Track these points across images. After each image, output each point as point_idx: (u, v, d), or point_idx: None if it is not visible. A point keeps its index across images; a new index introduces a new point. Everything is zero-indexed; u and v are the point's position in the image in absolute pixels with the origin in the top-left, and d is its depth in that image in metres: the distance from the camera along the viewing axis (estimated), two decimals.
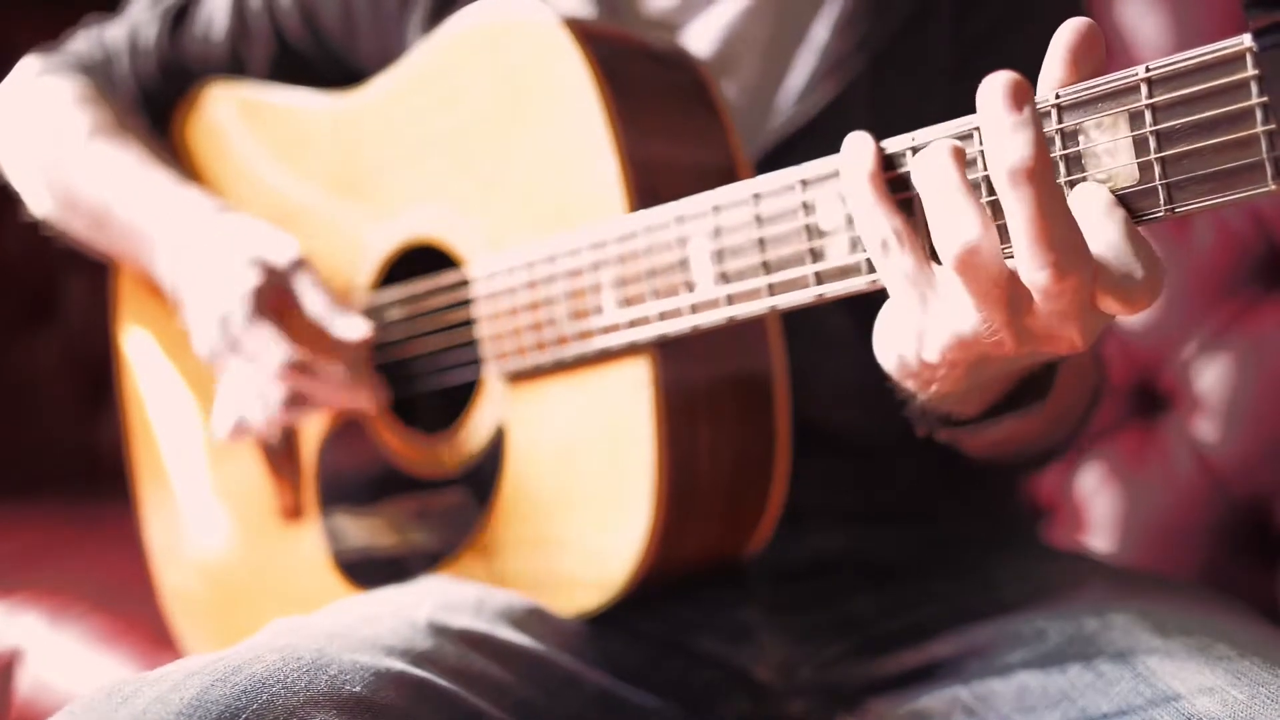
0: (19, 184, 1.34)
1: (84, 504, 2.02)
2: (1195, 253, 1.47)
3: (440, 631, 0.88)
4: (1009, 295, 0.64)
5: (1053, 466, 1.47)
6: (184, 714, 0.72)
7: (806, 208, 0.76)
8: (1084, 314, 0.63)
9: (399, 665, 0.81)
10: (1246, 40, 0.57)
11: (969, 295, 0.64)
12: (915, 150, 0.69)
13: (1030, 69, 0.64)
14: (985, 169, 0.66)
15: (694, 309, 0.85)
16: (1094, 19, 0.63)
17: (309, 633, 0.83)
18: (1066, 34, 0.63)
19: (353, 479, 1.15)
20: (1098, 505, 1.51)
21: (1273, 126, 0.57)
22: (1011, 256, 0.62)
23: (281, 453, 1.19)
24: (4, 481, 2.17)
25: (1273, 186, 0.58)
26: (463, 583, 1.00)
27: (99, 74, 1.33)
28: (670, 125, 0.96)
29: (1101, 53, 0.63)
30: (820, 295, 0.77)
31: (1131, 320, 1.49)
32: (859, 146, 0.71)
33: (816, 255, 0.76)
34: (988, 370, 0.72)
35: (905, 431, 0.86)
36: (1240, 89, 0.58)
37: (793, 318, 0.90)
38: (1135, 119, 0.61)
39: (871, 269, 0.73)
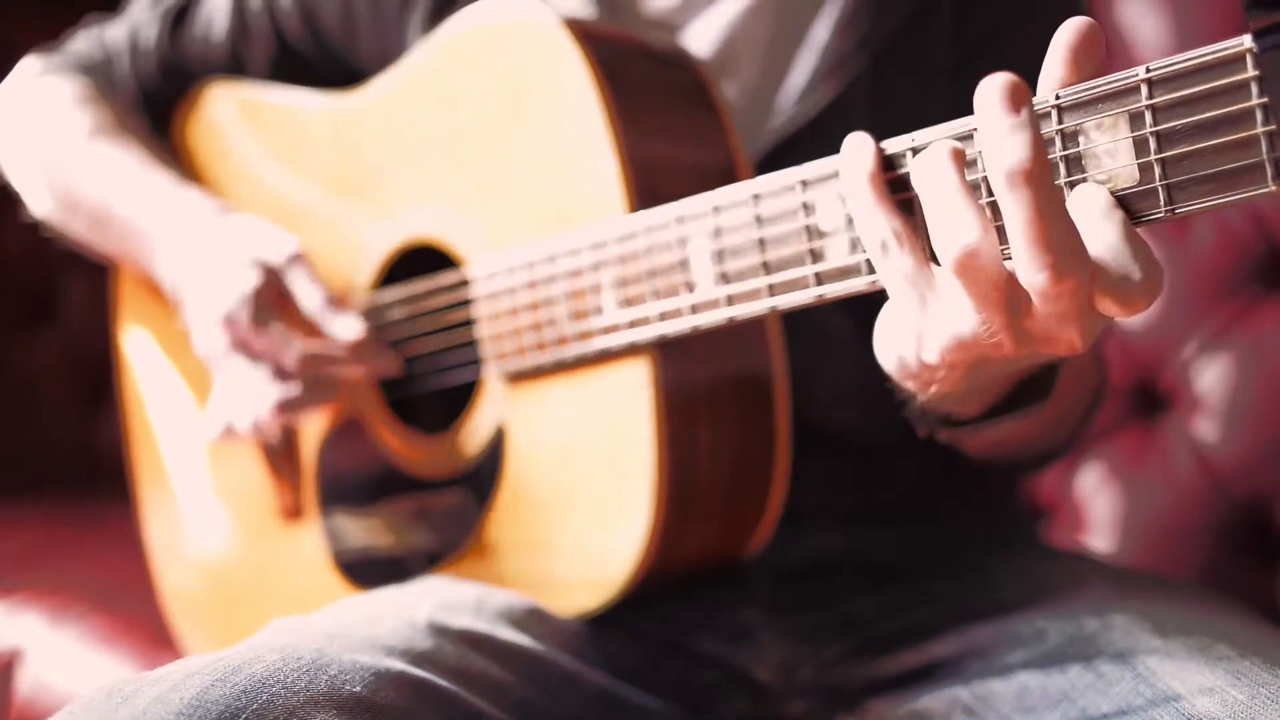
0: (19, 184, 1.34)
1: (84, 504, 2.02)
2: (1195, 253, 1.47)
3: (440, 632, 0.88)
4: (1008, 297, 0.64)
5: (1053, 466, 1.47)
6: (184, 714, 0.72)
7: (807, 208, 0.76)
8: (1083, 315, 0.63)
9: (399, 665, 0.81)
10: (1247, 41, 0.57)
11: (968, 297, 0.64)
12: (915, 151, 0.69)
13: (1031, 69, 0.64)
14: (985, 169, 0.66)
15: (694, 309, 0.85)
16: (1094, 19, 0.63)
17: (309, 633, 0.83)
18: (1067, 34, 0.63)
19: (353, 479, 1.15)
20: (1098, 505, 1.51)
21: (1273, 127, 0.57)
22: (1010, 258, 0.62)
23: (281, 453, 1.19)
24: (4, 481, 2.17)
25: (1273, 187, 0.58)
26: (462, 583, 1.00)
27: (99, 74, 1.33)
28: (670, 125, 0.96)
29: (1102, 52, 0.63)
30: (820, 296, 0.77)
31: (1131, 320, 1.49)
32: (859, 147, 0.71)
33: (816, 256, 0.76)
34: (987, 371, 0.72)
35: (905, 432, 0.86)
36: (1240, 90, 0.58)
37: (793, 318, 0.90)
38: (1135, 120, 0.61)
39: (871, 270, 0.73)
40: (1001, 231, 0.64)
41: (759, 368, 0.96)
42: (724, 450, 0.95)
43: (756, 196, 0.79)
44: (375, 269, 1.12)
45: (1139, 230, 0.62)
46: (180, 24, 1.30)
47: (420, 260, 1.09)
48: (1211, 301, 1.46)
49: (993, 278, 0.63)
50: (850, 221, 0.74)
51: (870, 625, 1.03)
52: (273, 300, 1.07)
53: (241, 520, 1.26)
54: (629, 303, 0.89)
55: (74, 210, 1.29)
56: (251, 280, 1.06)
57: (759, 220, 0.79)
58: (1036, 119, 0.60)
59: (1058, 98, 0.63)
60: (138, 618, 1.47)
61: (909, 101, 1.03)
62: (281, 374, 1.07)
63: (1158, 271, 0.62)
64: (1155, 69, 0.60)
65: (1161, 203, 0.61)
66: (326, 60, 1.23)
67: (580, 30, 0.95)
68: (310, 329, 1.07)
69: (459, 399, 1.06)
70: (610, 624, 0.98)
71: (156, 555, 1.36)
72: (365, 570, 1.13)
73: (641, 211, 0.89)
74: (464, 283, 1.03)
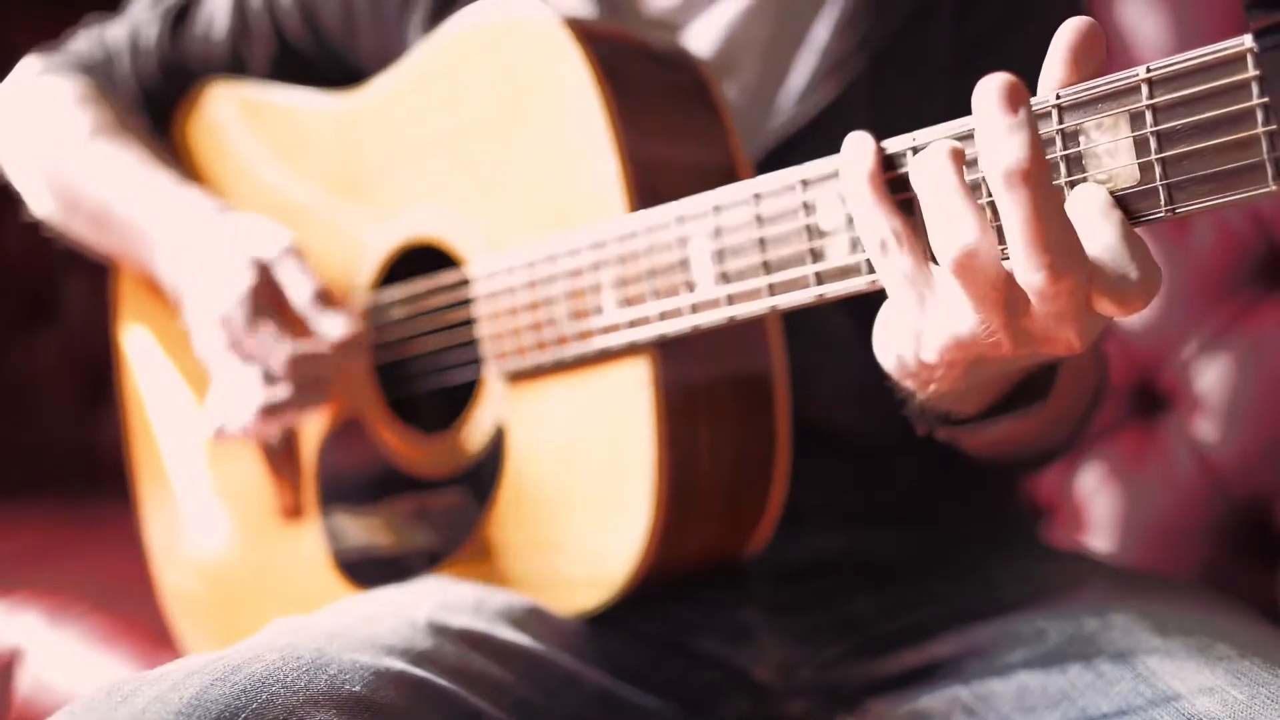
0: (19, 184, 1.34)
1: (84, 504, 2.02)
2: (1195, 253, 1.47)
3: (440, 631, 0.88)
4: (1006, 297, 0.64)
5: (1053, 466, 1.47)
6: (183, 713, 0.72)
7: (807, 208, 0.76)
8: (1080, 315, 0.63)
9: (399, 665, 0.81)
10: (1247, 41, 0.57)
11: (966, 297, 0.64)
12: (916, 150, 0.69)
13: (1031, 68, 0.64)
14: None
15: (694, 309, 0.85)
16: (1094, 19, 0.63)
17: (309, 632, 0.83)
18: (1067, 33, 0.63)
19: (353, 479, 1.15)
20: (1098, 505, 1.51)
21: (1273, 127, 0.57)
22: (1009, 258, 0.62)
23: (281, 452, 1.19)
24: (4, 481, 2.17)
25: (1273, 187, 0.58)
26: (462, 582, 1.00)
27: (100, 74, 1.33)
28: (671, 125, 0.96)
29: (1102, 52, 0.63)
30: (820, 295, 0.77)
31: (1132, 320, 1.49)
32: (859, 146, 0.71)
33: (817, 255, 0.76)
34: (986, 370, 0.72)
35: (905, 432, 0.86)
36: (1241, 90, 0.58)
37: (793, 318, 0.90)
38: (1136, 119, 0.61)
39: (872, 269, 0.73)
40: (1000, 231, 0.64)
41: (759, 367, 0.96)
42: (724, 450, 0.95)
43: (757, 196, 0.79)
44: (375, 268, 1.12)
45: (1138, 230, 0.62)
46: (181, 23, 1.30)
47: (420, 260, 1.09)
48: (1211, 301, 1.46)
49: (991, 278, 0.63)
50: (851, 221, 0.74)
51: (870, 625, 1.03)
52: (269, 298, 1.07)
53: (241, 520, 1.26)
54: (629, 302, 0.89)
55: (74, 210, 1.29)
56: (247, 280, 1.06)
57: (759, 220, 0.79)
58: (1034, 119, 0.60)
59: (1058, 97, 0.63)
60: (138, 618, 1.47)
61: (909, 101, 1.03)
62: (270, 376, 1.07)
63: (1155, 271, 0.62)
64: (1156, 69, 0.60)
65: (1162, 202, 0.61)
66: (327, 60, 1.23)
67: (581, 30, 0.95)
68: (303, 326, 1.07)
69: (459, 399, 1.06)
70: (610, 624, 0.98)
71: (156, 555, 1.36)
72: (365, 570, 1.13)
73: (642, 211, 0.89)
74: (464, 282, 1.03)
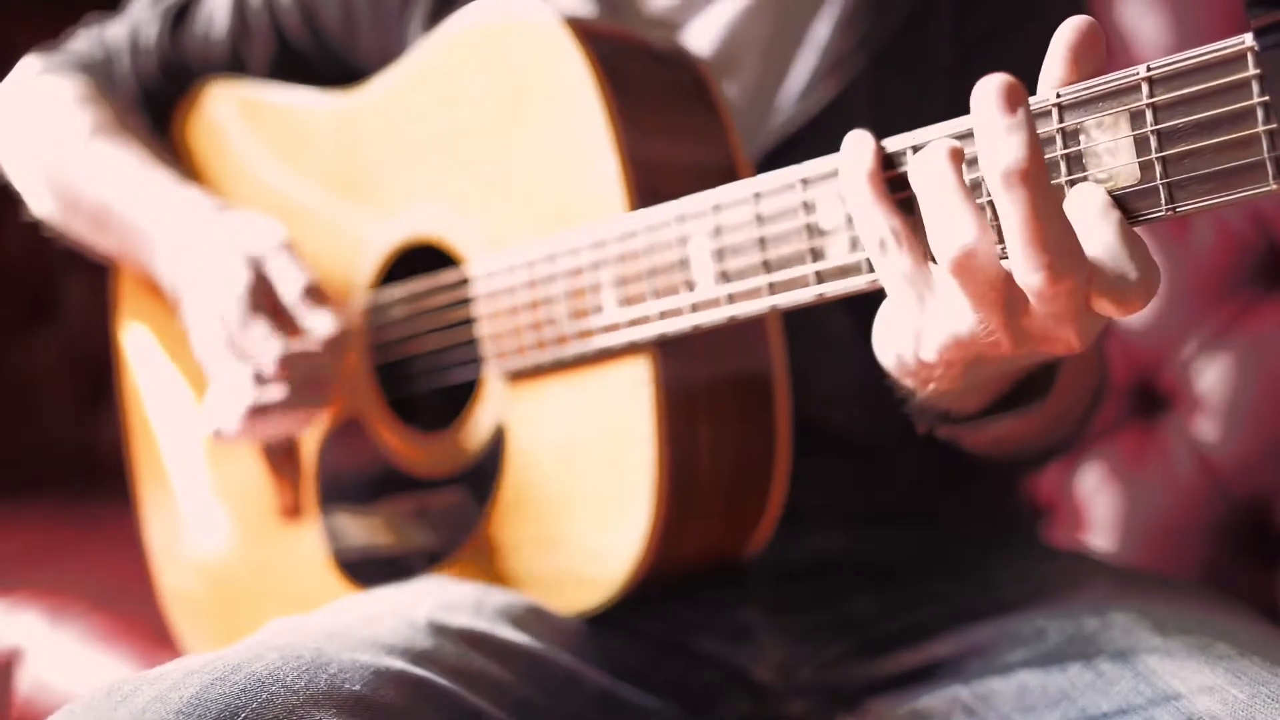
0: (19, 184, 1.34)
1: (84, 504, 2.02)
2: (1195, 253, 1.47)
3: (440, 630, 0.88)
4: (1005, 297, 0.64)
5: (1053, 466, 1.47)
6: (183, 712, 0.72)
7: (807, 207, 0.76)
8: (1080, 315, 0.63)
9: (398, 664, 0.81)
10: (1247, 40, 0.57)
11: (965, 297, 0.64)
12: (915, 149, 0.69)
13: (1031, 68, 0.64)
14: None
15: (694, 308, 0.85)
16: (1094, 18, 0.63)
17: (308, 632, 0.83)
18: (1067, 32, 0.63)
19: (352, 478, 1.15)
20: (1098, 505, 1.51)
21: (1274, 126, 0.57)
22: (1007, 258, 0.62)
23: (281, 452, 1.19)
24: (4, 481, 2.17)
25: (1274, 186, 0.58)
26: (462, 582, 1.00)
27: (99, 73, 1.33)
28: (671, 124, 0.96)
29: (1102, 51, 0.63)
30: (820, 294, 0.77)
31: (1131, 320, 1.49)
32: (859, 145, 0.71)
33: (817, 254, 0.76)
34: (985, 369, 0.72)
35: (905, 431, 0.86)
36: (1241, 88, 0.58)
37: (793, 317, 0.90)
38: (1136, 118, 0.61)
39: (872, 268, 0.73)
40: (1000, 231, 0.64)
41: (759, 367, 0.96)
42: (724, 449, 0.95)
43: (757, 195, 0.79)
44: (375, 268, 1.12)
45: (1138, 230, 0.62)
46: (181, 23, 1.30)
47: (420, 259, 1.09)
48: (1211, 301, 1.46)
49: (990, 278, 0.63)
50: (850, 220, 0.74)
51: (870, 625, 1.03)
52: (265, 295, 1.06)
53: (241, 520, 1.26)
54: (629, 301, 0.89)
55: (74, 210, 1.29)
56: (243, 278, 1.06)
57: (759, 219, 0.79)
58: (1033, 119, 0.60)
59: (1058, 96, 0.63)
60: (137, 617, 1.47)
61: (909, 101, 1.03)
62: (261, 376, 1.06)
63: (1154, 271, 0.62)
64: (1156, 67, 0.60)
65: (1162, 201, 0.61)
66: (327, 59, 1.23)
67: (581, 29, 0.95)
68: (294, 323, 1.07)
69: (459, 398, 1.06)
70: (610, 623, 0.98)
71: (156, 555, 1.36)
72: (365, 569, 1.13)
73: (641, 210, 0.89)
74: (464, 281, 1.03)
